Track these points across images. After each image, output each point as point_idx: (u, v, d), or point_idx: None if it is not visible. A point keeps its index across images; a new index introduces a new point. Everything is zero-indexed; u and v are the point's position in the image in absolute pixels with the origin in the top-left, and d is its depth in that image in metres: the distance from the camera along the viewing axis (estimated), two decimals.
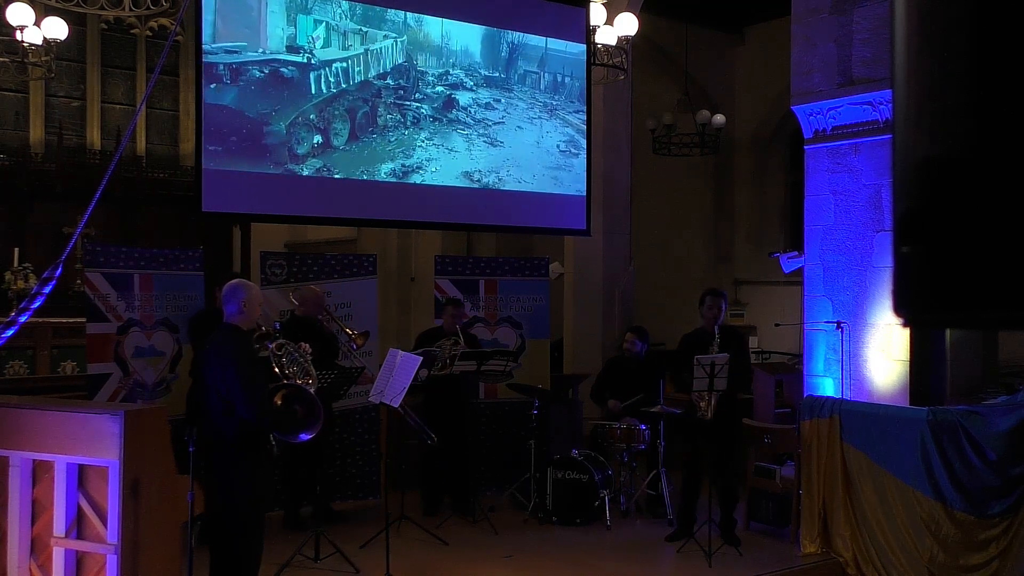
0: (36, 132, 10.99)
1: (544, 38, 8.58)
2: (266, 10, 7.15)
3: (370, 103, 7.67)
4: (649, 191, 12.71)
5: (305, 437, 4.67)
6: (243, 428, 4.44)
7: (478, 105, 8.23)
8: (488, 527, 6.84)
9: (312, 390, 4.86)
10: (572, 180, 8.78)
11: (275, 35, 7.20)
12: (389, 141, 7.76)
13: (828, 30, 6.71)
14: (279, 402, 4.61)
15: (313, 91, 7.38)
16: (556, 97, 8.68)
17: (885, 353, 6.37)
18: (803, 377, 6.92)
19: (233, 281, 4.80)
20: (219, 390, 4.44)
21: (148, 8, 7.78)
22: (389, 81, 7.77)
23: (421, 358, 5.96)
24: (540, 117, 8.58)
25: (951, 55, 0.88)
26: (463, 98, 8.15)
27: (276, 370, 4.85)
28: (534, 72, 8.54)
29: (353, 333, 6.78)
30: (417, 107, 7.90)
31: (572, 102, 8.77)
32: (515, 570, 6.02)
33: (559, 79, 8.67)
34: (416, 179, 7.90)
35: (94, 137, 11.35)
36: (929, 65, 0.90)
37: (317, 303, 6.71)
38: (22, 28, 7.83)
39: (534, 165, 8.55)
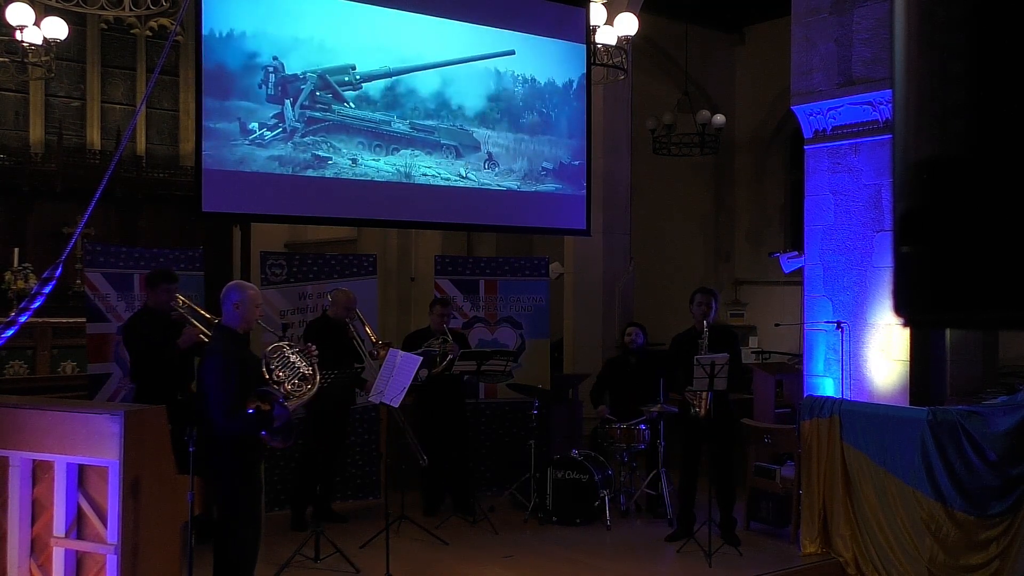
0: (36, 132, 11.00)
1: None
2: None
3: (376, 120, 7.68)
4: (649, 191, 12.72)
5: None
6: (216, 429, 4.47)
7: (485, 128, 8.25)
8: (488, 527, 6.84)
9: (311, 394, 4.84)
10: (572, 180, 8.78)
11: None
12: (392, 151, 7.76)
13: (828, 30, 6.71)
14: (266, 407, 4.56)
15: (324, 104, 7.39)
16: (554, 113, 8.69)
17: (885, 353, 6.37)
18: (803, 377, 6.92)
19: (231, 283, 4.84)
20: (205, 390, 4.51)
21: (148, 8, 7.78)
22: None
23: (421, 358, 5.96)
24: (539, 128, 8.59)
25: (951, 55, 0.88)
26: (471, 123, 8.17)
27: (266, 374, 4.81)
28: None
29: (379, 342, 6.76)
30: (425, 126, 7.91)
31: (570, 121, 8.78)
32: (515, 570, 6.02)
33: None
34: (416, 179, 7.90)
35: (94, 137, 11.35)
36: (929, 65, 0.90)
37: (346, 305, 6.70)
38: (22, 28, 7.83)
39: (533, 166, 8.54)
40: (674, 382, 6.77)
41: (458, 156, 8.13)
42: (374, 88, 7.70)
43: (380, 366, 6.46)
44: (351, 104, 7.57)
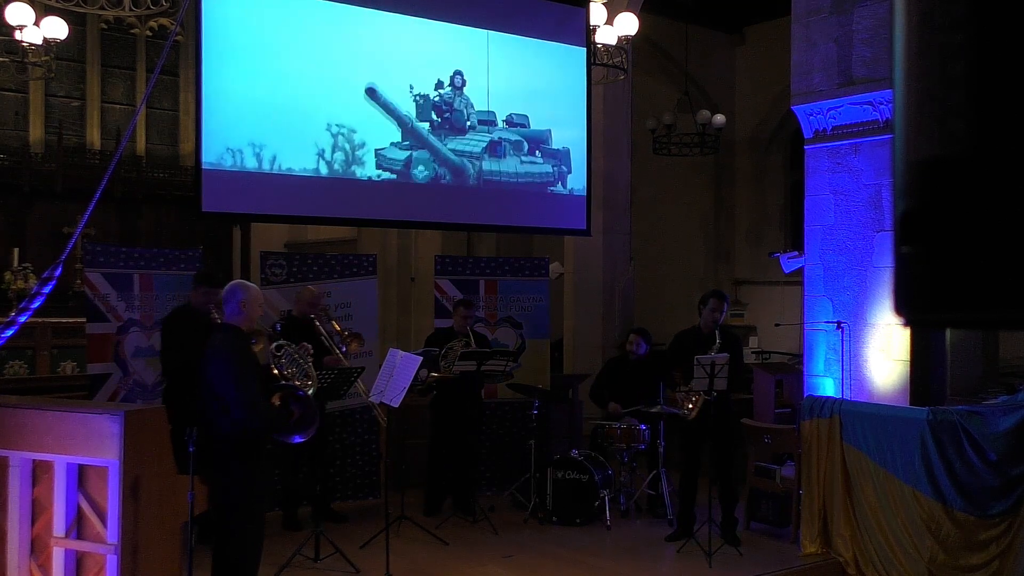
0: (36, 132, 11.01)
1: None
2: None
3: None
4: (649, 191, 12.72)
5: (298, 439, 4.67)
6: (240, 427, 4.45)
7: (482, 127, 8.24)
8: (488, 527, 6.84)
9: (311, 391, 4.86)
10: (572, 180, 8.78)
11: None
12: (394, 156, 7.76)
13: (828, 30, 6.71)
14: (278, 402, 4.61)
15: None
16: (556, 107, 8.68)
17: (885, 353, 6.37)
18: (803, 377, 6.92)
19: (233, 282, 4.82)
20: (216, 390, 4.45)
21: (148, 8, 7.78)
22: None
23: (421, 358, 5.96)
24: (539, 128, 8.59)
25: (951, 55, 0.88)
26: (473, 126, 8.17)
27: (275, 371, 4.86)
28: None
29: (345, 334, 6.72)
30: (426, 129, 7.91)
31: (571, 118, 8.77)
32: (515, 570, 6.02)
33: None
34: (416, 179, 7.90)
35: (94, 137, 11.36)
36: (929, 65, 0.90)
37: (310, 302, 6.67)
38: (22, 28, 7.83)
39: (534, 166, 8.54)
40: (669, 379, 6.78)
41: (459, 156, 8.13)
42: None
43: (361, 352, 6.59)
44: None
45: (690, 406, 6.41)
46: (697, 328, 6.65)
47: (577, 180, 8.79)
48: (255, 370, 4.64)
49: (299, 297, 6.77)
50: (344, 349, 6.64)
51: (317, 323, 6.63)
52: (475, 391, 7.31)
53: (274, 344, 4.96)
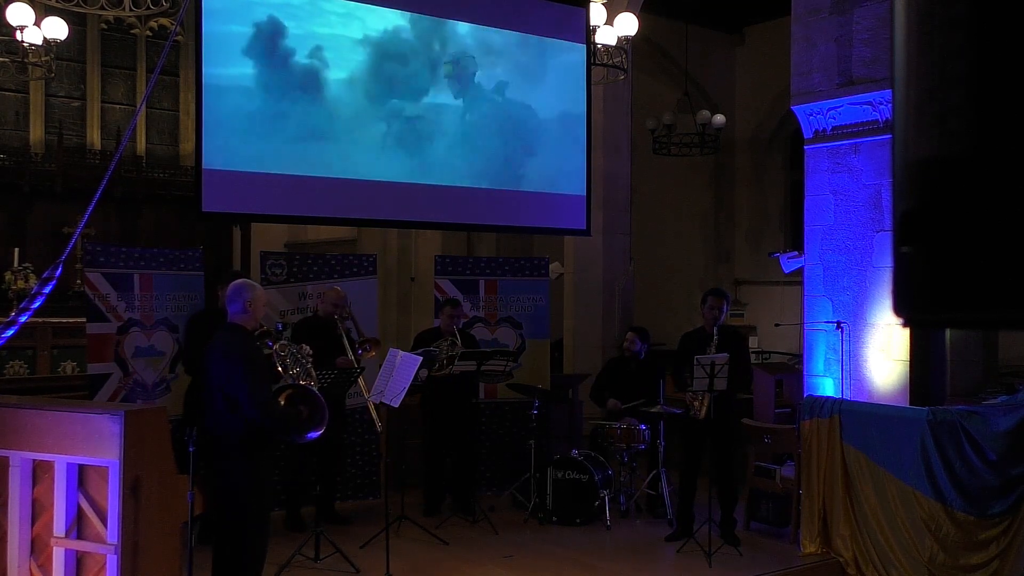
0: (36, 132, 11.00)
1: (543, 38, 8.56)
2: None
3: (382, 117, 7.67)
4: (649, 191, 12.72)
5: (313, 435, 4.67)
6: (247, 427, 4.44)
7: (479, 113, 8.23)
8: (488, 527, 6.84)
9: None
10: (572, 180, 8.77)
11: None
12: (391, 146, 7.75)
13: (828, 30, 6.71)
14: (283, 402, 4.61)
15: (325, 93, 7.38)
16: (558, 96, 8.67)
17: (885, 353, 6.37)
18: (803, 377, 6.92)
19: (238, 281, 4.79)
20: (224, 389, 4.44)
21: (148, 8, 7.78)
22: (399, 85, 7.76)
23: (421, 358, 5.96)
24: (539, 128, 8.57)
25: (951, 55, 0.88)
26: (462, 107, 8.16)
27: (280, 370, 4.87)
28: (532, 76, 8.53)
29: (363, 338, 6.79)
30: (422, 115, 7.89)
31: (572, 103, 8.76)
32: (515, 570, 6.02)
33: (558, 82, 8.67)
34: (417, 179, 7.89)
35: (94, 137, 11.36)
36: (929, 65, 0.90)
37: (335, 303, 6.71)
38: (22, 28, 7.83)
39: (535, 164, 8.54)
40: (680, 381, 6.78)
41: (458, 157, 8.12)
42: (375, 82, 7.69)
43: (363, 360, 6.61)
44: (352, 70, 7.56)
45: (697, 404, 6.42)
46: (702, 328, 6.66)
47: (577, 180, 8.78)
48: (264, 369, 4.65)
49: (325, 297, 6.82)
50: (360, 352, 6.67)
51: (341, 324, 6.66)
52: (467, 391, 7.31)
53: (278, 344, 4.98)
